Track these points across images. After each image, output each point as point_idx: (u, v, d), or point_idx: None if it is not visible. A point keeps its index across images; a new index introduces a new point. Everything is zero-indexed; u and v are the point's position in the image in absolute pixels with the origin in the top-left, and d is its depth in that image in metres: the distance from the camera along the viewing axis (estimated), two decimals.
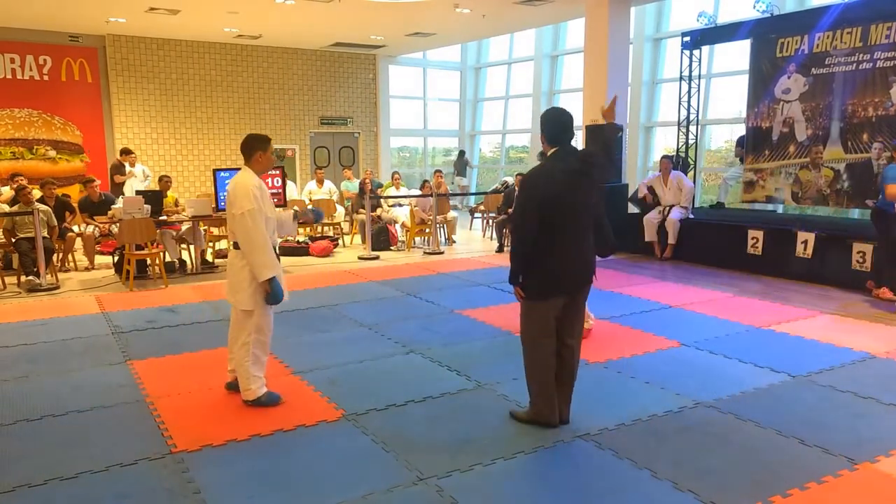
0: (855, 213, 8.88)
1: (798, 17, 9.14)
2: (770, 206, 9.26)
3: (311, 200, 11.10)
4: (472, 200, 15.89)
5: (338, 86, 15.26)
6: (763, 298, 6.86)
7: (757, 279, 7.86)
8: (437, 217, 10.53)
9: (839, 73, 8.27)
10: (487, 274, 8.27)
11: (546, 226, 3.38)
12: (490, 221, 11.80)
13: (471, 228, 12.92)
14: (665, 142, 12.76)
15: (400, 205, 11.11)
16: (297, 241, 10.07)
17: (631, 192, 10.12)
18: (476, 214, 12.94)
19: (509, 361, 4.82)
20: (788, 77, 8.81)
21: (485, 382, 4.40)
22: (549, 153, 3.53)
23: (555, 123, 3.52)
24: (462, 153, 16.46)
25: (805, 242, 7.71)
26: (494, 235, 10.83)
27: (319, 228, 11.00)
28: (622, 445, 3.46)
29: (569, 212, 3.42)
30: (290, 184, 11.47)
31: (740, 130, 9.87)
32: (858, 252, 7.17)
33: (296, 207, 4.08)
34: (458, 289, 7.42)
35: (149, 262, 8.16)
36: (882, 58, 7.84)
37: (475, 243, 11.25)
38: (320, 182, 11.82)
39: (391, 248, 10.47)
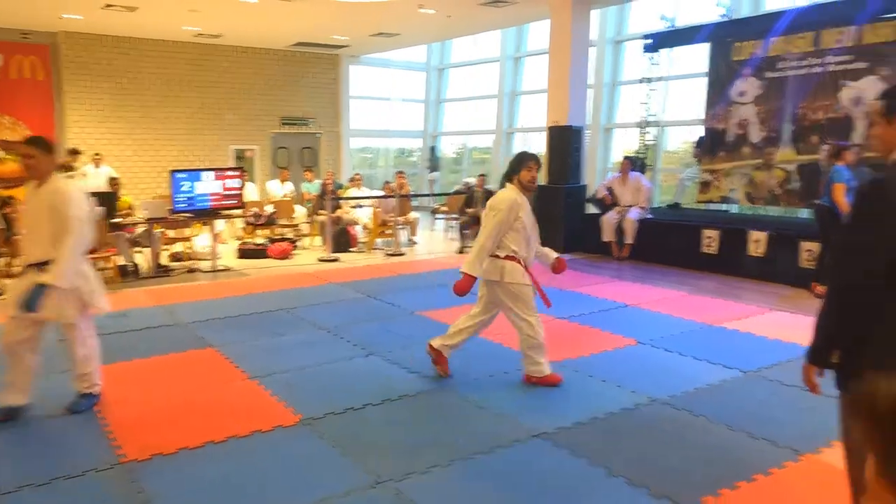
0: (804, 213, 9.12)
1: (753, 21, 9.35)
2: (724, 206, 9.46)
3: (270, 200, 10.99)
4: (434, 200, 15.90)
5: (299, 86, 15.10)
6: (717, 296, 7.01)
7: (711, 277, 8.02)
8: (399, 218, 10.50)
9: (792, 76, 8.50)
10: (449, 275, 8.23)
11: None
12: (451, 222, 11.81)
13: (432, 229, 12.92)
14: (624, 143, 12.94)
15: (361, 206, 11.06)
16: (256, 244, 9.93)
17: (589, 193, 10.25)
18: (438, 215, 12.95)
19: (469, 362, 4.83)
20: (744, 80, 9.01)
21: (445, 383, 4.40)
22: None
23: None
24: (433, 149, 16.49)
25: (757, 241, 7.90)
26: (456, 236, 10.84)
27: (279, 230, 10.86)
28: (578, 443, 3.49)
29: None
30: (248, 185, 11.32)
31: (699, 132, 10.07)
32: (807, 250, 7.38)
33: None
34: (420, 290, 7.41)
35: (101, 265, 7.94)
36: (833, 62, 8.08)
37: (437, 244, 11.26)
38: (283, 181, 11.73)
39: (351, 249, 10.40)
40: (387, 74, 16.91)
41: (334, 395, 4.19)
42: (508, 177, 4.35)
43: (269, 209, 10.88)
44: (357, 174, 11.86)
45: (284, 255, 9.67)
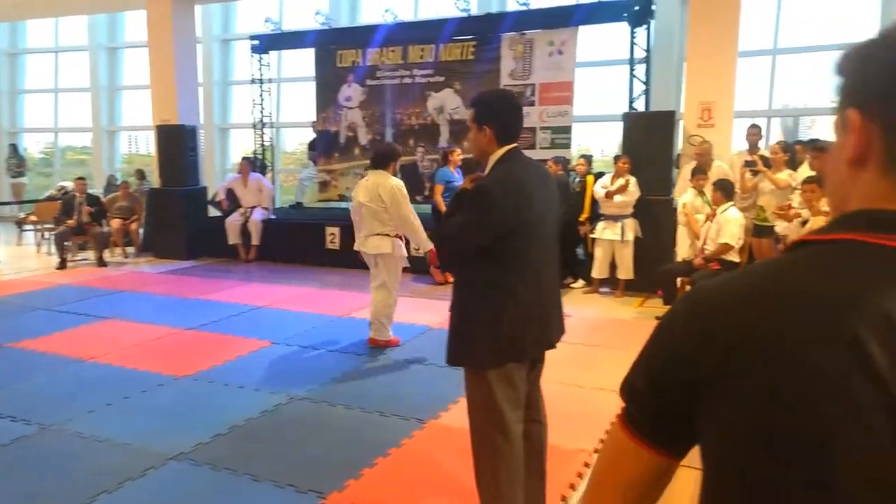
0: None
1: (353, 32, 10.07)
2: (343, 204, 10.06)
3: None
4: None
5: None
6: (342, 289, 7.42)
7: (336, 272, 8.45)
8: None
9: (388, 85, 9.44)
10: (47, 295, 7.05)
11: (508, 256, 2.35)
12: (46, 234, 10.10)
13: (20, 244, 10.87)
14: (242, 143, 12.77)
15: None
16: None
17: (210, 194, 9.86)
18: (26, 226, 10.94)
19: (81, 393, 4.21)
20: (349, 86, 9.68)
21: (50, 424, 3.73)
22: (499, 155, 2.43)
23: (514, 110, 2.51)
24: (14, 147, 13.73)
25: None
26: (53, 250, 9.29)
27: None
28: (219, 457, 3.33)
29: (543, 238, 2.43)
30: None
31: (312, 134, 10.46)
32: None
33: None
34: (9, 317, 6.16)
35: None
36: (419, 75, 9.23)
37: (28, 261, 9.50)
38: None
39: None
40: None
41: None
42: (384, 163, 4.95)
43: None
44: None
45: None
